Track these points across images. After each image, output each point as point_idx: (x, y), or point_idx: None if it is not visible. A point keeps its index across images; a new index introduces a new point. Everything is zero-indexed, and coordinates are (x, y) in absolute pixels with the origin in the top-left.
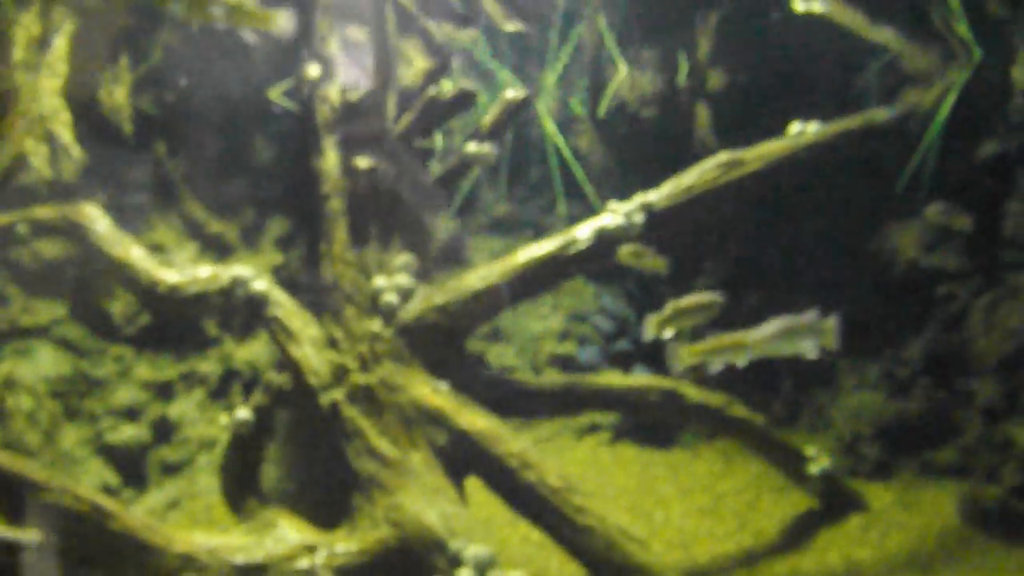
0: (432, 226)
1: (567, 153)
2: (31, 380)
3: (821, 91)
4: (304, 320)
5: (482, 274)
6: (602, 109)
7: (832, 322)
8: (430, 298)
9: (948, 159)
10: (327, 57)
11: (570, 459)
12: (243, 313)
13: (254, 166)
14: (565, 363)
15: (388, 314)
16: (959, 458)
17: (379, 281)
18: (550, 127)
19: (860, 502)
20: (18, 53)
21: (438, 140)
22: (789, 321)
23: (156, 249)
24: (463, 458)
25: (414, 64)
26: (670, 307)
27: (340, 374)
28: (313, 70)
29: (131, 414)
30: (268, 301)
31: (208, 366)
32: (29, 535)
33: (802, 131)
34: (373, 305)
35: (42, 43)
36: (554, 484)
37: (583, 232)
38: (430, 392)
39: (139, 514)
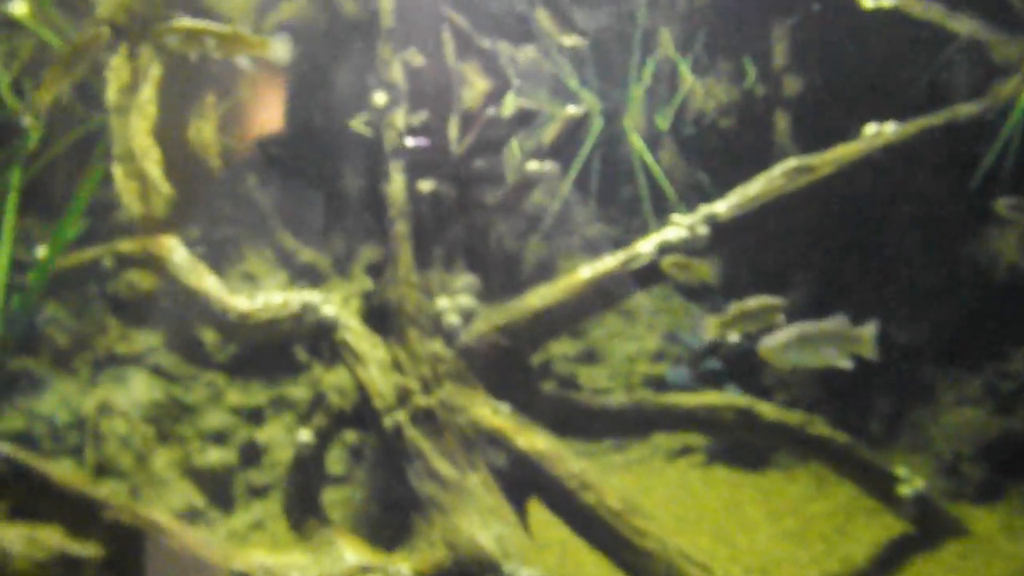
0: (509, 247)
1: (656, 169)
2: (125, 405)
3: (905, 91)
4: (372, 343)
5: (543, 293)
6: (666, 121)
7: (870, 330)
8: (491, 319)
9: None
10: (392, 83)
11: (659, 482)
12: (315, 337)
13: (343, 195)
14: (659, 384)
15: (450, 335)
16: None
17: (441, 302)
18: (638, 143)
19: (960, 527)
20: (111, 96)
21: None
22: (809, 327)
23: (248, 279)
24: (522, 479)
25: (475, 86)
26: (734, 309)
27: (404, 396)
28: (379, 98)
29: (219, 438)
30: (337, 325)
31: (298, 391)
32: None
33: (878, 132)
34: (436, 326)
35: (132, 87)
36: (614, 506)
37: (646, 247)
38: (490, 413)
39: (199, 532)
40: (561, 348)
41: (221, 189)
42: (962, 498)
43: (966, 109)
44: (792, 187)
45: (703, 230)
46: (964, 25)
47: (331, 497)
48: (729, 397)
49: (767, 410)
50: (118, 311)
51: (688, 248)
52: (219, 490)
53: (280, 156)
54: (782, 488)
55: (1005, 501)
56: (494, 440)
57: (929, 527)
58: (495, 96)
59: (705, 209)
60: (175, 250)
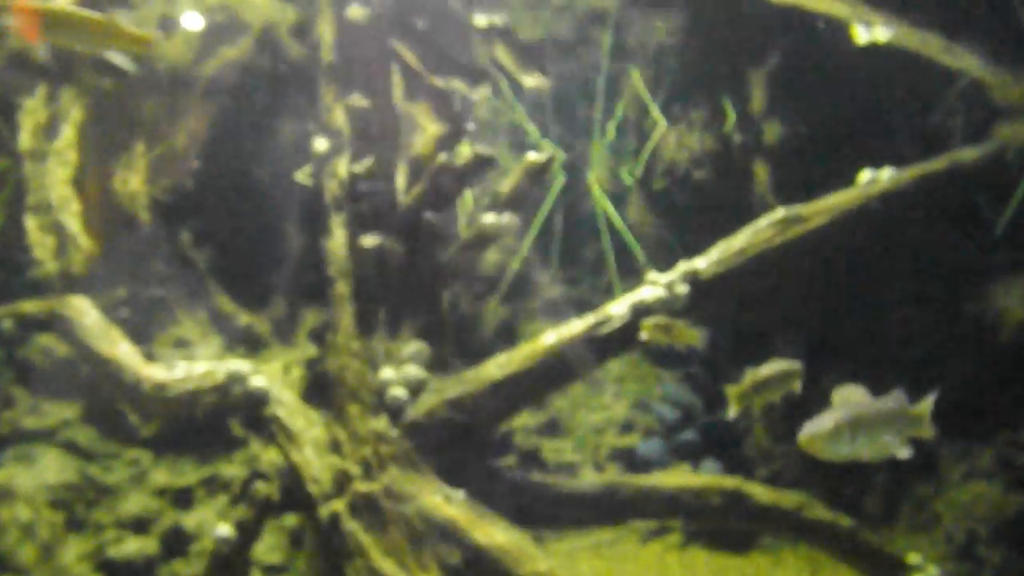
0: (465, 309)
1: (620, 225)
2: (30, 488)
3: (898, 135)
4: (308, 419)
5: (502, 361)
6: (637, 171)
7: (927, 406)
8: (443, 391)
9: None
10: (334, 128)
11: (633, 568)
12: (243, 412)
13: (285, 253)
14: (629, 458)
15: (395, 411)
16: None
17: (386, 373)
18: (601, 200)
19: None
20: (25, 141)
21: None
22: (862, 409)
23: (180, 344)
24: None
25: (426, 130)
26: (748, 378)
27: (342, 481)
28: (320, 144)
29: (140, 525)
30: (268, 398)
31: (232, 469)
32: None
33: (874, 179)
34: (380, 401)
35: (49, 130)
36: None
37: (618, 309)
38: (442, 502)
39: None
40: (521, 419)
41: (151, 245)
42: None
43: (969, 154)
44: (780, 240)
45: (682, 289)
46: (963, 61)
47: None
48: (714, 478)
49: (759, 492)
50: (27, 380)
51: (666, 309)
52: None
53: (217, 209)
54: (770, 574)
55: None
56: (447, 534)
57: None
58: (448, 141)
59: (684, 265)
60: (85, 312)
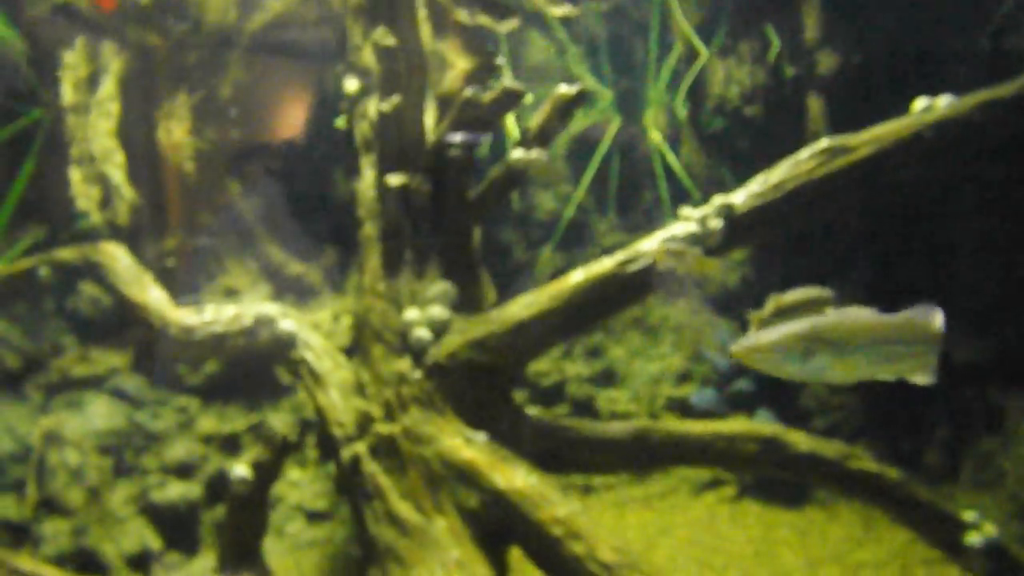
0: (504, 255)
1: (678, 168)
2: (79, 434)
3: (968, 61)
4: (336, 362)
5: (527, 301)
6: (683, 109)
7: (936, 320)
8: (466, 332)
9: None
10: (364, 69)
11: (683, 520)
12: (271, 355)
13: (335, 202)
14: (685, 408)
15: (418, 352)
16: None
17: (410, 314)
18: (656, 141)
19: None
20: (67, 94)
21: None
22: (832, 320)
23: (230, 294)
24: (498, 524)
25: (455, 66)
26: (771, 304)
27: (364, 423)
28: (351, 84)
29: (185, 470)
30: (296, 341)
31: (280, 416)
32: None
33: (929, 107)
34: (404, 342)
35: (91, 82)
36: (606, 558)
37: (649, 244)
38: (462, 444)
39: None
40: (575, 368)
41: (199, 196)
42: None
43: None
44: (824, 171)
45: (716, 224)
46: None
47: (310, 535)
48: (752, 425)
49: (799, 440)
50: (78, 329)
51: (700, 245)
52: (182, 530)
53: (269, 162)
54: (823, 529)
55: None
56: (465, 477)
57: None
58: (478, 76)
59: (719, 199)
60: (118, 258)
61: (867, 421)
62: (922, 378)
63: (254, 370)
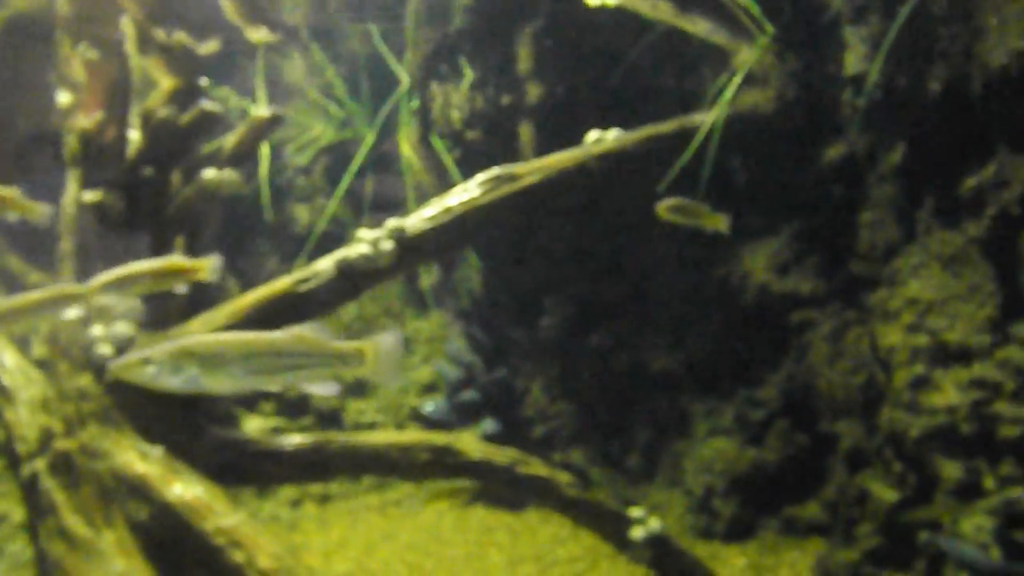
0: (257, 267)
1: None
2: None
3: (658, 99)
4: (29, 378)
5: (207, 318)
6: (409, 131)
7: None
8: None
9: (794, 167)
10: (76, 82)
11: (409, 526)
12: None
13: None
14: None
15: (100, 368)
16: (825, 514)
17: (95, 330)
18: (406, 152)
19: (704, 571)
20: None
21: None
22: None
23: None
24: (167, 535)
25: (160, 84)
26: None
27: (46, 439)
28: (64, 97)
29: None
30: None
31: None
32: None
33: (599, 139)
34: (88, 358)
35: None
36: (264, 565)
37: (324, 264)
38: (136, 458)
39: None
40: None
41: None
42: (713, 536)
43: (698, 118)
44: (491, 198)
45: (387, 246)
46: (697, 26)
47: (30, 553)
48: (424, 434)
49: (471, 448)
50: None
51: (371, 265)
52: None
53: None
54: (535, 530)
55: (756, 539)
56: (137, 490)
57: (668, 572)
58: (182, 96)
59: (392, 223)
60: None
61: (581, 428)
62: (323, 389)
63: None
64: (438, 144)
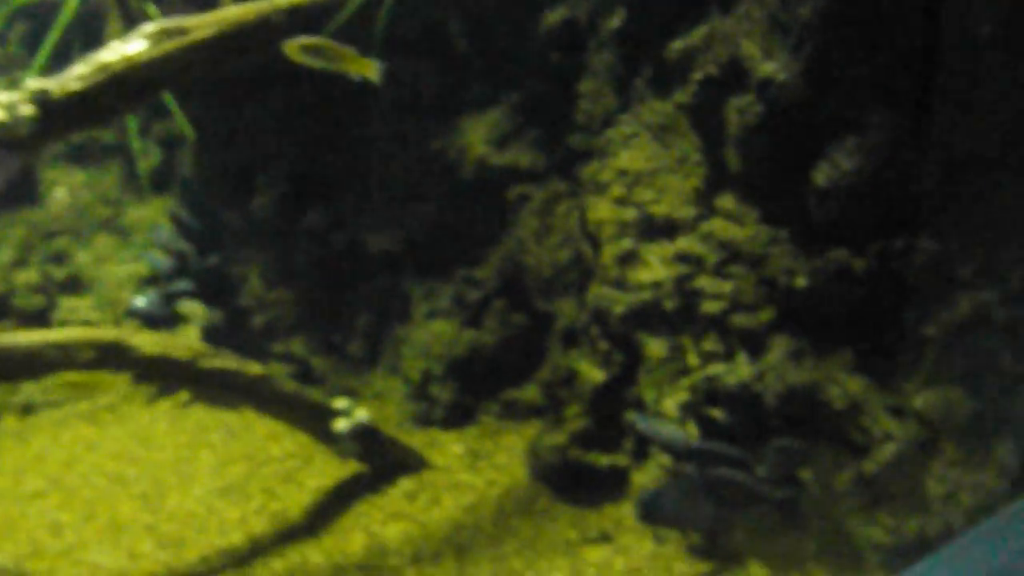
0: None
1: None
2: None
3: None
4: None
5: None
6: None
7: None
8: None
9: (515, 32)
10: None
11: (120, 433)
12: None
13: None
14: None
15: None
16: (543, 397)
17: None
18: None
19: (417, 460)
20: None
21: None
22: None
23: None
24: None
25: None
26: None
27: None
28: None
29: None
30: None
31: None
32: None
33: None
34: None
35: None
36: None
37: None
38: None
39: None
40: (28, 276)
41: None
42: (432, 423)
43: None
44: (155, 53)
45: (28, 110)
46: None
47: None
48: (92, 331)
49: (145, 343)
50: None
51: (9, 135)
52: None
53: None
54: (252, 427)
55: (477, 424)
56: None
57: (380, 464)
58: None
59: (33, 83)
60: None
61: (301, 315)
62: None
63: None
64: None
